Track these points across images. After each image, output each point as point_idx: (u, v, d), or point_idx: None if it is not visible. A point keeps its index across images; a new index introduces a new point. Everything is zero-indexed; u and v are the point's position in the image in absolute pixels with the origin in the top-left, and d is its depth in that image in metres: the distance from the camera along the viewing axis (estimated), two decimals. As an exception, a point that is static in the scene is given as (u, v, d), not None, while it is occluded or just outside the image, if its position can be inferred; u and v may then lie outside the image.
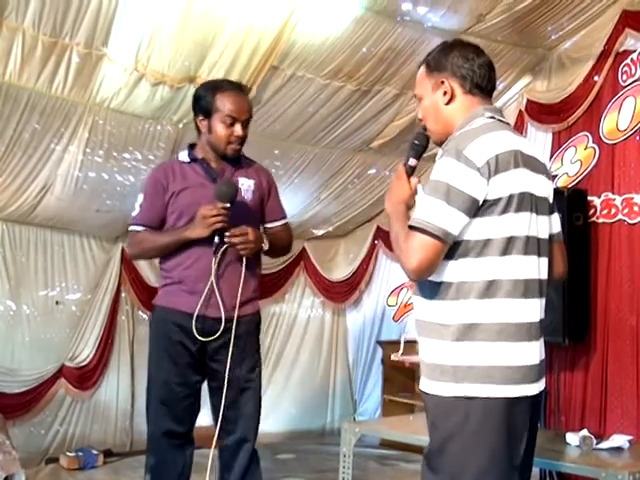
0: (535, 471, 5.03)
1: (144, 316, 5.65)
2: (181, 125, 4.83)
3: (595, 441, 3.43)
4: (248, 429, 3.37)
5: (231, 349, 3.24)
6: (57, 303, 5.32)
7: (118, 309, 5.57)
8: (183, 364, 3.32)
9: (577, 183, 5.21)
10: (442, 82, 2.36)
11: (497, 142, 2.22)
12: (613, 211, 4.99)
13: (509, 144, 2.24)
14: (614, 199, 4.99)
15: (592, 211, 5.08)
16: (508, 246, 2.21)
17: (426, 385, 2.29)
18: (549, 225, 2.41)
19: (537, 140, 5.58)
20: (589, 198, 5.08)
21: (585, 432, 3.49)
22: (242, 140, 3.34)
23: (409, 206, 2.33)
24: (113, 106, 4.56)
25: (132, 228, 3.42)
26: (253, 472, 3.40)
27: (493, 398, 2.18)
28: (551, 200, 2.44)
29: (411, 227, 2.17)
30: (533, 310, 2.28)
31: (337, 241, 6.77)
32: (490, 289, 2.20)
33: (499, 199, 2.18)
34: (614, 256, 4.98)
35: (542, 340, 2.34)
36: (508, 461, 2.21)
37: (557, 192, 4.92)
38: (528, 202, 2.26)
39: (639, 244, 4.81)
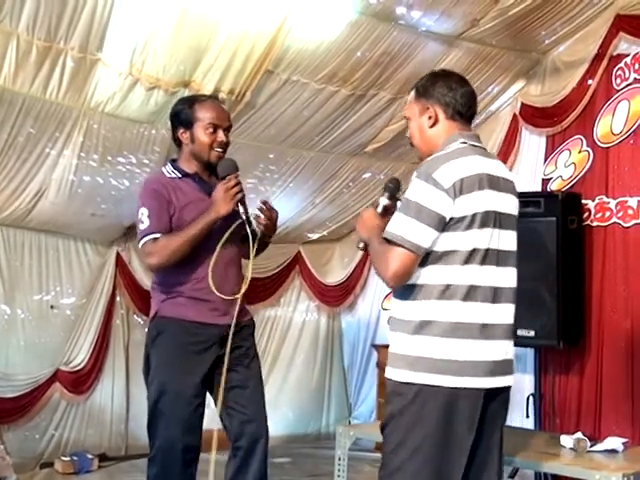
0: (530, 473, 5.05)
1: (139, 320, 5.66)
2: (176, 129, 4.83)
3: (589, 443, 3.43)
4: (262, 427, 3.39)
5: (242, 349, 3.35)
6: (52, 307, 5.31)
7: (113, 313, 5.56)
8: (200, 374, 3.31)
9: (571, 186, 5.23)
10: (428, 108, 2.68)
11: (464, 167, 2.52)
12: (607, 214, 5.00)
13: (476, 168, 2.55)
14: (608, 202, 5.00)
15: (586, 214, 5.09)
16: (469, 257, 2.52)
17: (388, 372, 2.62)
18: (516, 240, 2.70)
19: (531, 144, 5.60)
20: (583, 201, 5.09)
21: (579, 435, 3.49)
22: (225, 146, 3.35)
23: (382, 229, 2.61)
24: (108, 110, 4.56)
25: (149, 237, 3.26)
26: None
27: (439, 386, 2.50)
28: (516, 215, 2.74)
29: (386, 240, 2.51)
30: (487, 313, 2.57)
31: (332, 245, 6.78)
32: (447, 292, 2.52)
33: (464, 217, 2.50)
34: (609, 259, 4.99)
35: (505, 341, 2.64)
36: (444, 446, 2.51)
37: (551, 196, 5.03)
38: (492, 219, 2.56)
39: (634, 247, 4.82)
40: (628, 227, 4.86)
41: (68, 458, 5.16)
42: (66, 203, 4.95)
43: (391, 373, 2.61)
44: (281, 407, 6.23)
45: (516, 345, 5.32)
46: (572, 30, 5.21)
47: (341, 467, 3.96)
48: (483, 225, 2.53)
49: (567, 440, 3.48)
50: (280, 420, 6.13)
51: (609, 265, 4.98)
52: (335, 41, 4.69)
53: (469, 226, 2.50)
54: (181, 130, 3.36)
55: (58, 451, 5.27)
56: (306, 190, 5.93)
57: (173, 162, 3.42)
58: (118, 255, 5.55)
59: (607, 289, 4.98)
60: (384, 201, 2.77)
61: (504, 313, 2.64)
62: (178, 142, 3.41)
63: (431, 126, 2.68)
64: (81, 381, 5.39)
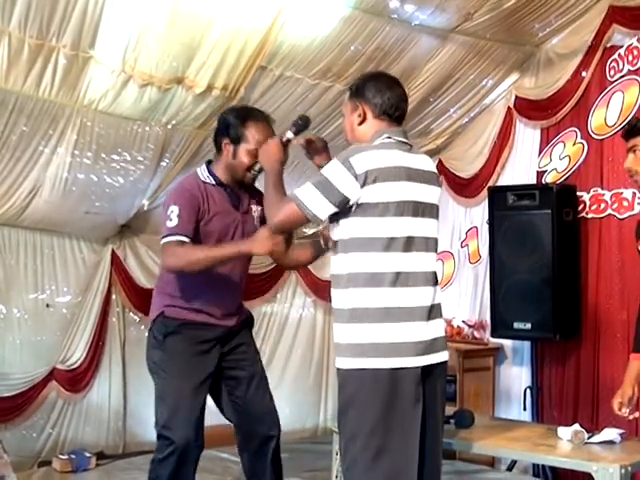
0: (528, 465, 5.06)
1: (135, 318, 5.64)
2: (169, 126, 4.82)
3: (587, 435, 3.44)
4: (274, 424, 3.49)
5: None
6: (47, 306, 5.29)
7: (109, 311, 5.54)
8: (207, 372, 3.38)
9: (566, 179, 5.23)
10: (357, 106, 2.89)
11: (381, 158, 2.73)
12: (602, 206, 5.01)
13: (393, 161, 2.75)
14: (603, 194, 5.01)
15: (581, 206, 5.10)
16: (389, 244, 2.71)
17: (336, 362, 2.80)
18: (437, 227, 2.91)
19: (526, 136, 5.61)
20: (578, 193, 5.11)
21: (577, 426, 3.49)
22: (262, 171, 3.35)
23: (282, 163, 3.01)
24: (101, 108, 4.54)
25: (174, 238, 3.24)
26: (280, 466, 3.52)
27: (380, 369, 2.67)
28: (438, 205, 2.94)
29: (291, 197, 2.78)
30: (416, 296, 2.75)
31: (328, 240, 6.77)
32: (374, 279, 2.71)
33: (377, 204, 2.70)
34: (604, 251, 5.00)
35: (435, 320, 2.81)
36: (394, 428, 2.67)
37: (546, 188, 5.04)
38: (410, 209, 2.76)
39: (629, 239, 4.82)
40: (623, 219, 4.87)
41: (66, 456, 5.15)
42: (60, 201, 4.94)
43: (337, 363, 2.79)
44: (278, 403, 6.16)
45: (512, 338, 5.42)
46: (565, 22, 5.21)
47: (339, 462, 3.96)
48: (400, 214, 2.73)
49: (564, 432, 3.48)
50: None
51: (604, 257, 4.99)
52: (328, 36, 4.68)
53: (383, 213, 2.70)
54: (226, 141, 3.38)
55: (56, 449, 5.26)
56: (301, 185, 5.90)
57: (209, 165, 3.43)
58: (113, 253, 5.53)
59: (603, 281, 4.99)
60: (289, 134, 3.09)
61: (429, 294, 2.80)
62: (219, 148, 3.42)
63: (359, 123, 2.89)
64: (78, 379, 5.37)
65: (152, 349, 3.43)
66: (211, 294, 3.37)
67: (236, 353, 3.47)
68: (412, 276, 2.75)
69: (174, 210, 3.26)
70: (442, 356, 2.85)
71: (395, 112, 2.87)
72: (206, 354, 3.37)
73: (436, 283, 2.86)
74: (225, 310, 3.42)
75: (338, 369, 2.79)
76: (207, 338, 3.37)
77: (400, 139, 2.85)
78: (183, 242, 3.24)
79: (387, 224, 2.72)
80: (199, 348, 3.36)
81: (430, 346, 2.78)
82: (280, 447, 3.52)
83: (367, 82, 2.92)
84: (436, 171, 2.99)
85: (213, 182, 3.40)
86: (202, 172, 3.43)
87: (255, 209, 3.48)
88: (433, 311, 2.81)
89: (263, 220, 3.30)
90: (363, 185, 2.68)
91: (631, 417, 3.38)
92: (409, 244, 2.75)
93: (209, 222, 3.33)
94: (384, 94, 2.86)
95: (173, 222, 3.25)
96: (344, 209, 2.74)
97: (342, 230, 2.78)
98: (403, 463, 2.70)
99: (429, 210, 2.85)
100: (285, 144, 3.06)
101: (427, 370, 2.77)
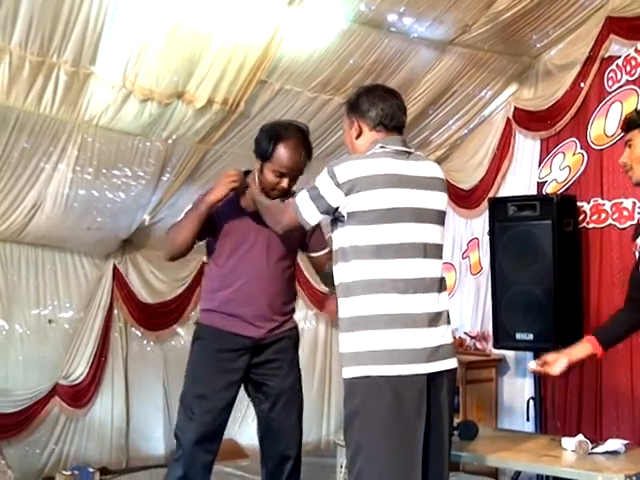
0: (532, 476, 5.04)
1: (137, 332, 5.65)
2: (170, 141, 4.83)
3: (591, 445, 3.43)
4: (292, 447, 3.45)
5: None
6: (50, 321, 5.30)
7: (111, 326, 5.54)
8: (228, 382, 3.40)
9: (566, 189, 5.24)
10: (353, 122, 2.94)
11: (366, 167, 2.77)
12: (603, 216, 5.01)
13: (381, 169, 2.77)
14: (604, 204, 5.01)
15: (582, 217, 5.10)
16: (379, 251, 2.73)
17: (343, 373, 2.79)
18: (441, 232, 2.90)
19: (525, 147, 5.62)
20: (579, 204, 5.11)
21: (581, 437, 3.49)
22: (286, 192, 3.40)
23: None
24: (102, 123, 4.55)
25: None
26: None
27: (385, 376, 2.67)
28: (444, 210, 2.94)
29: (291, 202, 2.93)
30: (417, 303, 2.74)
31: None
32: (371, 286, 2.72)
33: (364, 212, 2.73)
34: (605, 261, 5.00)
35: (440, 327, 2.78)
36: (400, 436, 2.67)
37: (547, 198, 5.04)
38: (405, 215, 2.76)
39: (630, 249, 4.83)
40: (624, 228, 4.87)
41: (69, 472, 5.14)
42: (62, 217, 4.95)
43: (343, 373, 2.79)
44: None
45: (515, 349, 5.40)
46: (563, 33, 5.23)
47: (343, 475, 3.95)
48: (390, 221, 2.74)
49: (568, 442, 3.48)
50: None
51: (606, 267, 4.99)
52: (327, 50, 4.70)
53: (373, 221, 2.73)
54: (256, 154, 3.43)
55: (59, 465, 5.25)
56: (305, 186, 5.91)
57: (245, 174, 3.48)
58: (115, 268, 5.54)
59: (604, 290, 4.99)
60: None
61: (430, 301, 2.79)
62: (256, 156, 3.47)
63: (356, 137, 2.93)
64: (80, 395, 5.37)
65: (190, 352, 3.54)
66: (240, 286, 3.36)
67: (266, 367, 3.44)
68: (409, 283, 2.74)
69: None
70: (449, 363, 2.81)
71: (391, 122, 2.89)
72: (229, 362, 3.38)
73: (441, 290, 2.84)
74: (257, 309, 3.38)
75: (344, 379, 2.79)
76: (233, 347, 3.38)
77: (396, 147, 2.86)
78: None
79: (376, 231, 2.74)
80: (222, 356, 3.38)
81: (434, 353, 2.75)
82: (300, 469, 3.49)
83: (360, 97, 2.96)
84: (442, 177, 2.97)
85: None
86: None
87: None
88: (437, 318, 2.79)
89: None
90: (348, 193, 2.74)
91: (534, 366, 3.25)
92: (402, 250, 2.75)
93: (223, 221, 3.41)
94: (377, 106, 2.89)
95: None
96: (339, 217, 2.80)
97: (339, 239, 2.82)
98: (408, 473, 2.68)
99: (430, 216, 2.84)
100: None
101: (433, 378, 2.74)
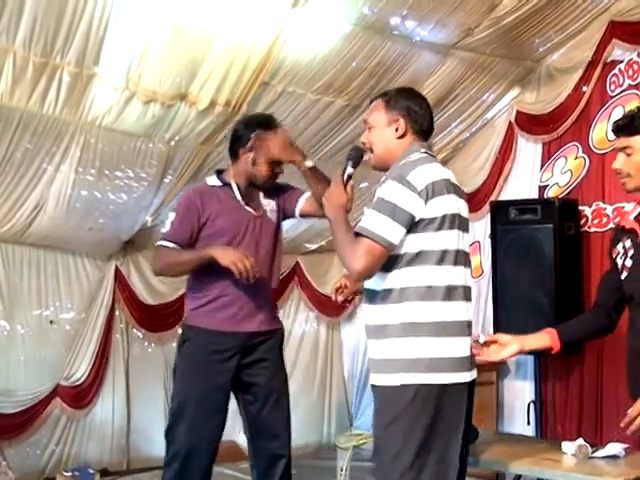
0: (532, 481, 5.04)
1: (139, 334, 5.65)
2: (173, 142, 4.84)
3: (591, 449, 3.43)
4: (284, 446, 3.46)
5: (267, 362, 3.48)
6: (51, 322, 5.30)
7: (112, 327, 5.54)
8: (220, 383, 3.40)
9: (568, 193, 5.25)
10: (397, 120, 2.78)
11: (432, 172, 2.66)
12: (604, 220, 5.02)
13: (441, 174, 2.69)
14: (605, 208, 5.02)
15: (583, 220, 5.11)
16: (443, 257, 2.65)
17: (376, 379, 2.69)
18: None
19: (527, 151, 5.62)
20: (580, 208, 5.11)
21: (581, 441, 3.48)
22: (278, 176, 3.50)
23: (347, 211, 2.77)
24: (105, 124, 4.56)
25: (162, 243, 3.44)
26: None
27: (433, 384, 2.60)
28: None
29: (359, 234, 2.61)
30: (462, 311, 2.73)
31: (330, 255, 6.75)
32: (429, 293, 2.63)
33: (435, 218, 2.62)
34: (606, 265, 4.95)
35: (470, 336, 2.77)
36: (444, 440, 2.62)
37: (548, 202, 5.04)
38: (457, 222, 2.70)
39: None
40: (625, 233, 4.87)
41: (70, 473, 5.14)
42: (64, 218, 4.95)
43: (383, 379, 2.67)
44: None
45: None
46: (566, 37, 5.24)
47: (343, 478, 3.96)
48: (451, 227, 2.67)
49: (568, 446, 3.48)
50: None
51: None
52: (330, 52, 4.71)
53: (439, 227, 2.64)
54: (242, 150, 3.46)
55: (60, 466, 5.25)
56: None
57: (219, 172, 3.54)
58: (117, 269, 5.54)
59: (605, 295, 4.98)
60: (350, 170, 2.81)
61: (470, 309, 2.81)
62: (235, 157, 3.50)
63: (398, 137, 2.79)
64: (81, 396, 5.37)
65: (176, 354, 3.53)
66: (232, 281, 3.35)
67: (256, 367, 3.46)
68: (459, 290, 2.72)
69: (170, 217, 3.46)
70: (476, 372, 2.81)
71: (428, 130, 2.85)
72: (220, 363, 3.38)
73: (471, 299, 2.83)
74: (246, 302, 3.40)
75: (381, 386, 2.68)
76: (223, 348, 3.38)
77: (432, 154, 2.82)
78: (167, 247, 3.41)
79: (441, 238, 2.65)
80: (212, 357, 3.38)
81: (471, 362, 2.74)
82: (291, 468, 3.50)
83: (409, 97, 2.84)
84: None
85: (219, 184, 3.49)
86: (209, 179, 3.55)
87: (267, 203, 3.54)
88: (470, 326, 2.79)
89: (277, 213, 3.49)
90: (426, 201, 2.60)
91: (482, 341, 2.99)
92: (458, 257, 2.71)
93: (215, 221, 3.41)
94: (426, 112, 2.83)
95: (166, 228, 3.45)
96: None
97: (406, 245, 2.64)
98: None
99: (466, 224, 2.82)
100: (347, 181, 2.82)
101: (470, 386, 2.74)
